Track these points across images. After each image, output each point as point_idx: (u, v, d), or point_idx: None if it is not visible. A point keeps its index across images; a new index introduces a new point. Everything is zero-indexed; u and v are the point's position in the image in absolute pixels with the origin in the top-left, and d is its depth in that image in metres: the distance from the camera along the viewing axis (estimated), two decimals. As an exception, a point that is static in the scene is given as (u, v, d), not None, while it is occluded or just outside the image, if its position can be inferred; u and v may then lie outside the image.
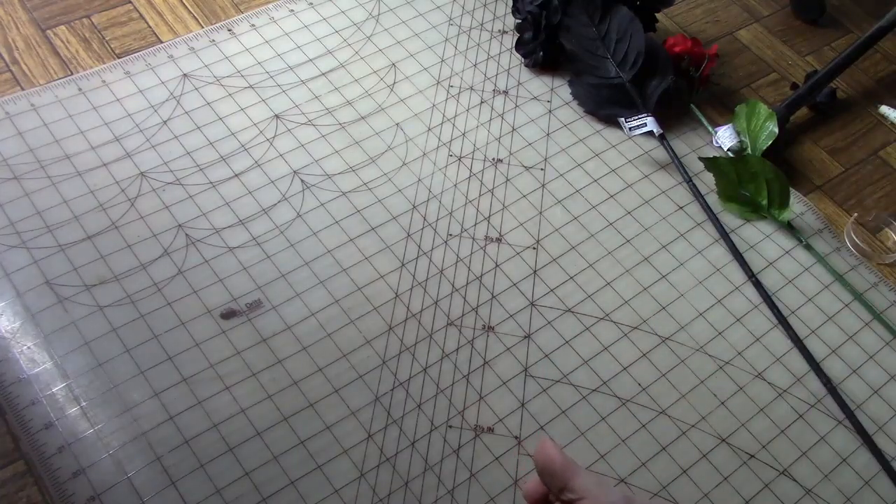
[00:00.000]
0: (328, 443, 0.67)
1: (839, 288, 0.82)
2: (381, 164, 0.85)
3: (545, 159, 0.88)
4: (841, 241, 0.87)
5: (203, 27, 0.95)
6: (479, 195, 0.84)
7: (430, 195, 0.84)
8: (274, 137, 0.86)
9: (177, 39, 0.93)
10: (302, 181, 0.83)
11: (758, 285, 0.81)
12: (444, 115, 0.90)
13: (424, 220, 0.82)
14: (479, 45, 0.98)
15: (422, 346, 0.74)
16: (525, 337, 0.75)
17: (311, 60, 0.93)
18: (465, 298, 0.77)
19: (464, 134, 0.89)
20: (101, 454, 0.64)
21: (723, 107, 0.98)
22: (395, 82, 0.93)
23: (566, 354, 0.74)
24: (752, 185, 0.86)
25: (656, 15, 0.99)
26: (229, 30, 0.95)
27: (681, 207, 0.86)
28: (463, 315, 0.76)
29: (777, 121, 0.90)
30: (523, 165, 0.87)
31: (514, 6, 0.99)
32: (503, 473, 0.67)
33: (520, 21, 0.97)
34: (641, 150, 0.90)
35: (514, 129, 0.90)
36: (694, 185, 0.87)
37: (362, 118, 0.89)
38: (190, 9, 0.97)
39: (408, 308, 0.76)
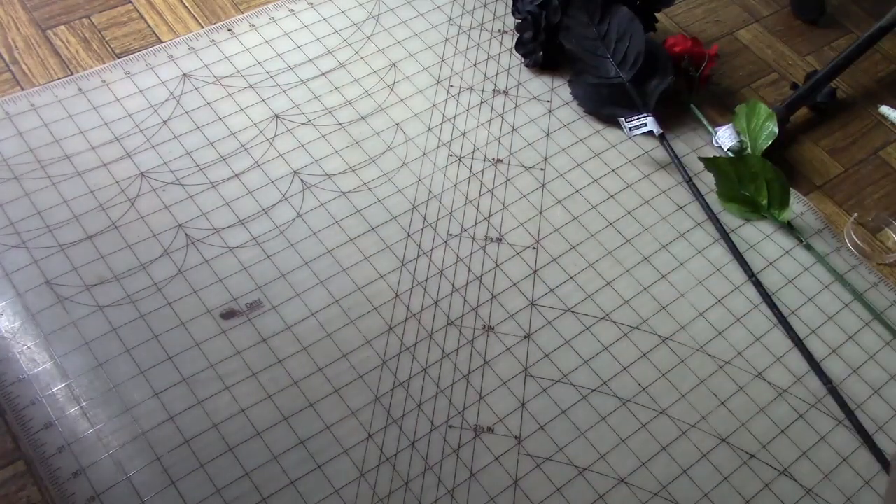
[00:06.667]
0: (328, 443, 0.67)
1: (839, 288, 0.82)
2: (381, 164, 0.85)
3: (545, 159, 0.88)
4: (841, 241, 0.87)
5: (203, 27, 0.95)
6: (479, 195, 0.84)
7: (430, 195, 0.84)
8: (274, 137, 0.86)
9: (177, 39, 0.93)
10: (302, 181, 0.83)
11: (758, 285, 0.81)
12: (444, 115, 0.90)
13: (424, 220, 0.82)
14: (479, 45, 0.98)
15: (422, 346, 0.74)
16: (525, 337, 0.75)
17: (311, 60, 0.93)
18: (465, 298, 0.77)
19: (464, 134, 0.89)
20: (101, 454, 0.64)
21: (723, 107, 0.98)
22: (395, 82, 0.93)
23: (566, 354, 0.74)
24: (752, 185, 0.86)
25: (656, 15, 0.99)
26: (229, 30, 0.95)
27: (681, 207, 0.86)
28: (463, 315, 0.76)
29: (777, 121, 0.90)
30: (523, 165, 0.87)
31: (514, 6, 0.99)
32: (503, 473, 0.67)
33: (520, 21, 0.97)
34: (641, 150, 0.90)
35: (514, 129, 0.90)
36: (694, 185, 0.87)
37: (362, 118, 0.89)
38: (190, 9, 0.97)
39: (408, 308, 0.76)
